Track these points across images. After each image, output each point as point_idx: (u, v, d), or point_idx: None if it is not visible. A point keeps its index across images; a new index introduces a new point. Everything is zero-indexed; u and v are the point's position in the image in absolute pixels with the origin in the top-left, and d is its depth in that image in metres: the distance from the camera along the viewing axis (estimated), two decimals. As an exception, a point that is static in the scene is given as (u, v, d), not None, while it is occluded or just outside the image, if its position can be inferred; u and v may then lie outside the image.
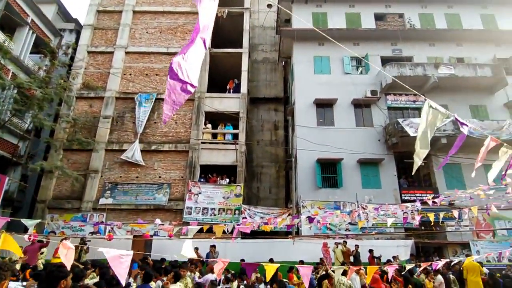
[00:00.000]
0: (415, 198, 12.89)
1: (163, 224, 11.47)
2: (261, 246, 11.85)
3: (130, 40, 18.15)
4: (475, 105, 16.48)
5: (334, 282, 7.08)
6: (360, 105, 16.72)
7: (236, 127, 16.70)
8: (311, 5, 18.97)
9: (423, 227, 14.49)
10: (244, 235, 14.22)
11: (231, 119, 16.82)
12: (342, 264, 9.11)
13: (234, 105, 17.02)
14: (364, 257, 11.23)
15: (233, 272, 9.11)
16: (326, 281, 7.52)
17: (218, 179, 15.62)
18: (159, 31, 18.44)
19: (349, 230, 13.98)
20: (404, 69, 16.36)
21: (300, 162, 15.56)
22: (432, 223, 12.09)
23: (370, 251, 11.31)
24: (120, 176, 15.53)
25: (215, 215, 14.39)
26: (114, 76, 17.08)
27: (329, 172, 15.51)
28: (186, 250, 4.84)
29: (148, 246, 11.43)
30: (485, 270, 9.50)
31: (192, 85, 2.41)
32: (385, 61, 17.47)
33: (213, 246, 10.95)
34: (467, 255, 10.66)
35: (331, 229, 14.00)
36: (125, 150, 15.63)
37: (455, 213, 9.57)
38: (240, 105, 16.97)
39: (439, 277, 8.27)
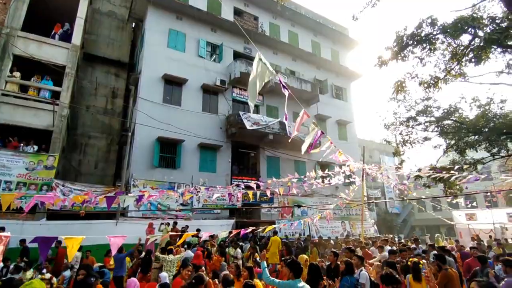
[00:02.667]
0: (242, 182, 14.36)
1: None
2: (73, 229, 9.99)
3: None
4: (297, 112, 20.14)
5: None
6: (209, 91, 17.08)
7: (58, 83, 13.31)
8: (176, -26, 17.68)
9: (244, 209, 16.45)
10: (51, 217, 11.63)
11: (53, 72, 13.28)
12: (168, 244, 8.91)
13: (59, 56, 13.50)
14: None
15: (26, 259, 7.22)
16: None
17: (22, 145, 12.01)
18: None
19: (180, 211, 14.01)
20: (251, 67, 17.92)
21: (138, 138, 14.22)
22: (250, 207, 13.79)
23: (198, 230, 11.65)
24: None
25: (10, 189, 10.95)
26: None
27: (168, 152, 14.97)
28: None
29: None
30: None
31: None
32: (236, 55, 18.60)
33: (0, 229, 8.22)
34: (274, 232, 12.78)
35: (161, 210, 13.56)
36: None
37: (268, 193, 11.11)
38: (69, 58, 13.65)
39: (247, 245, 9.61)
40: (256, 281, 4.53)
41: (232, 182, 15.57)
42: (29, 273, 6.75)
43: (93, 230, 10.23)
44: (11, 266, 6.86)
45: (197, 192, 13.04)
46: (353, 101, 24.33)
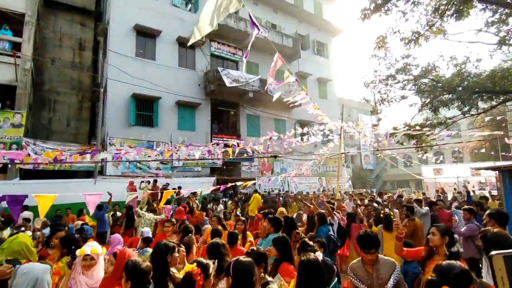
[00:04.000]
0: (222, 142, 14.34)
1: None
2: (51, 188, 9.69)
3: None
4: (279, 70, 19.69)
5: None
6: (185, 45, 16.11)
7: (18, 34, 12.07)
8: None
9: (224, 167, 16.65)
10: (25, 176, 11.28)
11: (12, 21, 11.95)
12: (148, 202, 8.98)
13: (17, 2, 12.05)
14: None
15: (1, 219, 7.08)
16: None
17: (-18, 101, 11.13)
18: None
19: (160, 170, 13.97)
20: (230, 19, 16.92)
21: (112, 94, 13.51)
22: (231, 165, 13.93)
23: (179, 187, 11.77)
24: None
25: (-26, 149, 10.34)
26: None
27: (144, 109, 14.45)
28: None
29: None
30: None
31: None
32: (215, 6, 17.37)
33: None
34: (255, 190, 13.16)
35: (141, 168, 13.45)
36: None
37: (249, 150, 11.21)
38: (28, 4, 12.23)
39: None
40: (248, 233, 4.76)
41: (212, 140, 15.50)
42: (7, 232, 6.65)
43: (71, 189, 9.99)
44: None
45: (177, 150, 12.95)
46: (334, 59, 24.01)
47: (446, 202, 11.14)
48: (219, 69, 15.96)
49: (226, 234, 4.09)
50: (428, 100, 13.31)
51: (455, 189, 14.82)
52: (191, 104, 15.71)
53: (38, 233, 7.24)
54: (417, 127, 11.35)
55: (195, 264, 2.05)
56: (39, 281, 2.04)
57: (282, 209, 6.70)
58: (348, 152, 16.88)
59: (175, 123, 15.15)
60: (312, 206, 6.20)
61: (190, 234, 3.87)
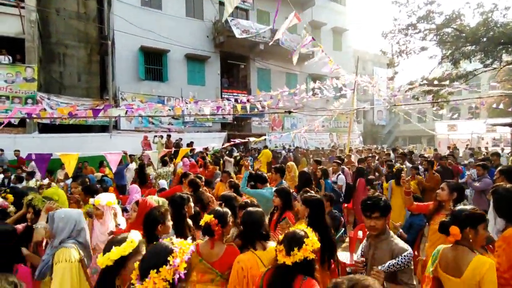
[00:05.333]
0: (233, 97, 14.22)
1: None
2: (69, 142, 10.12)
3: None
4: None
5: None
6: (192, -8, 15.24)
7: (19, -18, 11.57)
8: None
9: (235, 122, 16.73)
10: (44, 130, 11.68)
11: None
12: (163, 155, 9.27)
13: None
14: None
15: (28, 170, 7.54)
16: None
17: (-7, 54, 11.12)
18: None
19: (172, 124, 14.18)
20: (240, -37, 15.63)
21: (120, 47, 13.24)
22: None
23: (191, 143, 12.03)
24: None
25: (-8, 104, 10.62)
26: None
27: (153, 63, 14.22)
28: None
29: None
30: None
31: None
32: None
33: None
34: (265, 146, 13.32)
35: (153, 123, 13.67)
36: None
37: (259, 106, 11.15)
38: None
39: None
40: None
41: (222, 95, 15.38)
42: (32, 182, 7.10)
43: (88, 143, 10.40)
44: (12, 177, 7.14)
45: (187, 106, 12.98)
46: (351, 6, 22.37)
47: (457, 157, 11.12)
48: (228, 18, 15.18)
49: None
50: (450, 51, 12.59)
51: (467, 145, 14.66)
52: (200, 57, 15.32)
53: (62, 183, 7.72)
54: (435, 82, 10.91)
55: (212, 215, 2.19)
56: (77, 223, 2.22)
57: (292, 163, 6.85)
58: (363, 108, 16.54)
59: (184, 77, 14.96)
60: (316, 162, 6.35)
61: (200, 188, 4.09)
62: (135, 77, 13.57)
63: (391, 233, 2.12)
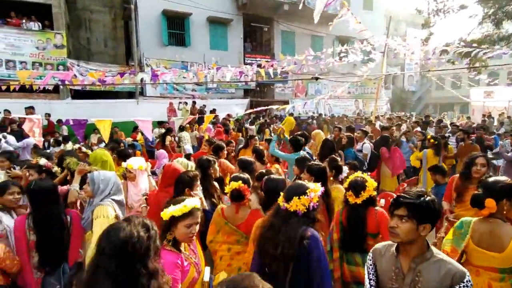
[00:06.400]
0: (255, 62, 13.94)
1: None
2: (99, 108, 10.58)
3: None
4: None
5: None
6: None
7: None
8: None
9: (258, 88, 16.56)
10: (76, 96, 12.21)
11: None
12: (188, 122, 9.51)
13: None
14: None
15: (64, 134, 8.07)
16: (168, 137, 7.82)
17: (23, 21, 11.43)
18: None
19: (195, 91, 14.31)
20: None
21: (142, 11, 13.14)
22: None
23: (213, 110, 12.18)
24: None
25: (27, 69, 11.13)
26: None
27: (176, 28, 14.07)
28: None
29: None
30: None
31: None
32: None
33: (30, 108, 8.86)
34: (290, 114, 13.17)
35: (177, 90, 13.86)
36: None
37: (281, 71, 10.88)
38: None
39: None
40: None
41: (245, 60, 15.11)
42: (69, 145, 7.61)
43: (117, 108, 10.81)
44: (51, 141, 7.68)
45: (210, 71, 12.93)
46: (385, -41, 20.40)
47: (490, 127, 10.55)
48: (252, -23, 14.45)
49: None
50: (492, 10, 11.43)
51: (503, 113, 13.72)
52: (223, 21, 14.92)
53: (95, 147, 8.23)
54: (474, 44, 10.06)
55: (240, 181, 2.29)
56: (116, 184, 2.45)
57: (317, 131, 6.79)
58: (394, 73, 15.70)
59: (207, 42, 14.75)
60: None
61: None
62: (158, 43, 13.58)
63: (435, 249, 1.46)
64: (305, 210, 1.72)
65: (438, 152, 5.03)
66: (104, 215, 2.25)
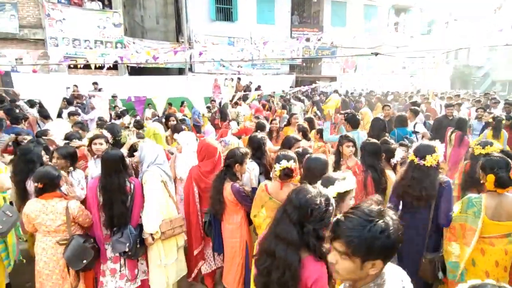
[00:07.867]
0: (303, 36, 13.50)
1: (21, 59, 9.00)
2: (152, 83, 11.24)
3: None
4: None
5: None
6: None
7: None
8: None
9: (304, 64, 16.12)
10: (132, 72, 13.06)
11: None
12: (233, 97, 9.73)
13: None
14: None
15: (124, 108, 8.76)
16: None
17: (85, 1, 12.29)
18: None
19: (241, 67, 14.41)
20: None
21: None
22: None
23: (258, 87, 12.24)
24: None
25: (91, 48, 12.12)
26: None
27: (224, 2, 14.05)
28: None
29: (6, 84, 9.42)
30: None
31: None
32: None
33: (95, 83, 9.76)
34: (335, 90, 12.71)
35: (224, 66, 14.08)
36: None
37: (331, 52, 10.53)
38: None
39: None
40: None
41: (292, 35, 14.70)
42: (127, 118, 8.29)
43: (170, 84, 11.35)
44: (113, 114, 8.43)
45: (256, 47, 12.85)
46: None
47: None
48: None
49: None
50: None
51: None
52: (271, -7, 14.53)
53: (149, 121, 8.86)
54: None
55: (291, 160, 2.34)
56: (160, 153, 2.78)
57: (366, 110, 6.54)
58: (458, 49, 14.05)
59: (254, 16, 14.56)
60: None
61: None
62: (206, 18, 13.75)
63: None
64: (437, 163, 2.35)
65: (498, 134, 4.53)
66: (150, 181, 2.57)
